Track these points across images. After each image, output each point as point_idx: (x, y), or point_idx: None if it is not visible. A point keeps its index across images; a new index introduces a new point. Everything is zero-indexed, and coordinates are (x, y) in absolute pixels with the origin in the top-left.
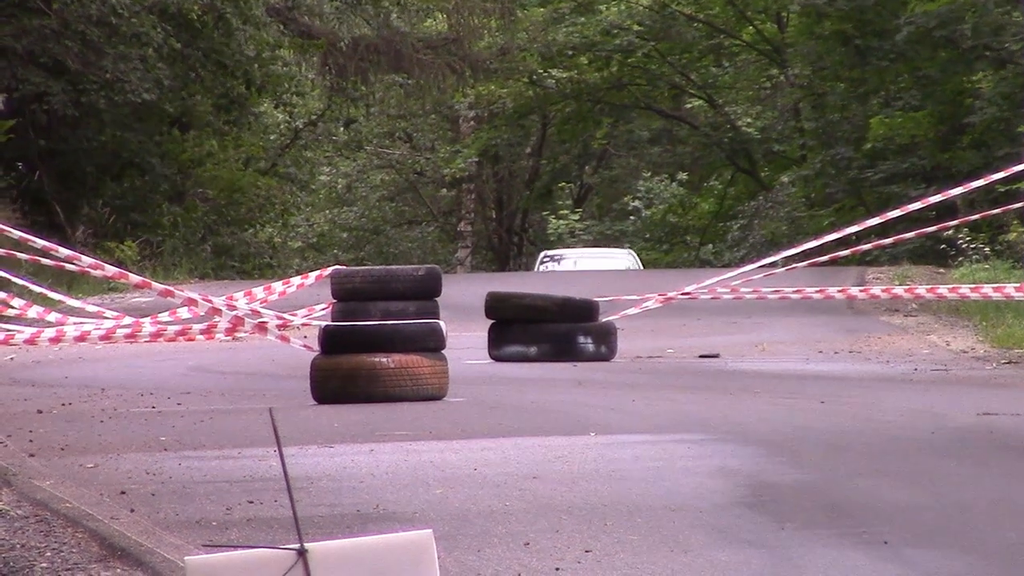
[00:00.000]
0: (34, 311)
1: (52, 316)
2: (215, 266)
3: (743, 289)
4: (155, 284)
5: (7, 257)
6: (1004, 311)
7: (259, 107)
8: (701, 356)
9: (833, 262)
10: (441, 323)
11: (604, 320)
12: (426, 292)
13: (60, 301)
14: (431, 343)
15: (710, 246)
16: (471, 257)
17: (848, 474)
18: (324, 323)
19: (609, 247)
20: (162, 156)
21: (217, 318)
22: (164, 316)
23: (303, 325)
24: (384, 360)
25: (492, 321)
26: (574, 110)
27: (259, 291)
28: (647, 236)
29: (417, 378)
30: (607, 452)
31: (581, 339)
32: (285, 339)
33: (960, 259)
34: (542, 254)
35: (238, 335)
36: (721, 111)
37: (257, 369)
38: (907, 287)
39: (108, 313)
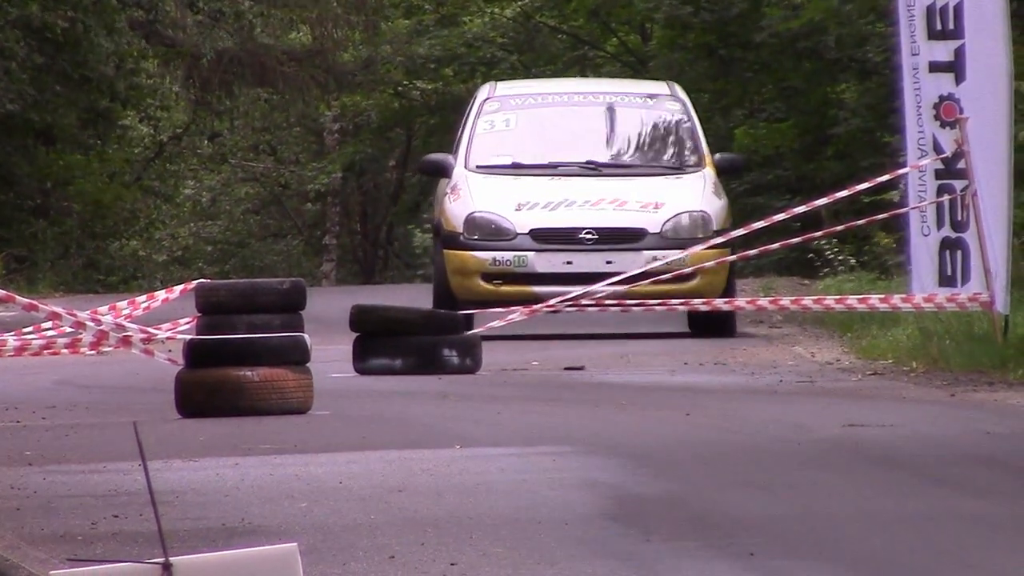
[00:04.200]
0: None
1: None
2: (82, 279)
3: (607, 301)
4: (19, 298)
5: None
6: (869, 322)
7: (124, 120)
8: (566, 368)
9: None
10: (306, 336)
11: (469, 333)
12: (291, 305)
13: None
14: (296, 356)
15: None
16: (336, 270)
17: (714, 486)
18: (189, 337)
19: (635, 79)
20: (28, 170)
21: (82, 332)
22: (28, 330)
23: (168, 339)
24: (249, 374)
25: (357, 334)
26: (439, 122)
27: (124, 305)
28: None
29: (282, 391)
30: (472, 465)
31: (446, 352)
32: (150, 353)
33: (826, 270)
34: (486, 90)
35: (103, 349)
36: None
37: (122, 383)
38: (772, 298)
39: None
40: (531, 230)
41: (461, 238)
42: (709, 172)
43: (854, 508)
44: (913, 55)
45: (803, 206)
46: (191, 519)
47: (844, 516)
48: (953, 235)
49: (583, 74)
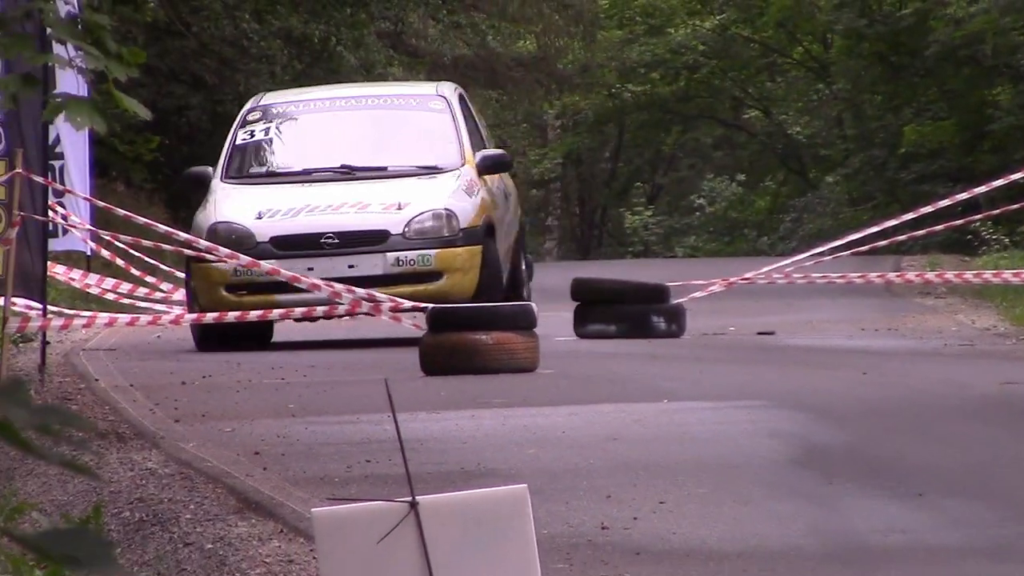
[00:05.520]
0: (179, 294)
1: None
2: None
3: (795, 275)
4: (283, 272)
5: (155, 248)
6: (1022, 294)
7: None
8: (759, 333)
9: (873, 251)
10: (533, 305)
11: (674, 302)
12: None
13: None
14: (524, 322)
15: (765, 238)
16: (558, 248)
17: (887, 436)
18: (431, 305)
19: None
20: None
21: (338, 300)
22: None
23: (413, 307)
24: (483, 337)
25: (577, 303)
26: (647, 119)
27: None
28: (711, 229)
29: (512, 353)
30: (677, 417)
31: (654, 318)
32: (397, 319)
33: (983, 248)
34: (253, 101)
35: (356, 315)
36: (774, 120)
37: (372, 346)
38: (937, 273)
39: None
40: (272, 238)
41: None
42: (467, 170)
43: (1011, 455)
44: None
45: (964, 193)
46: (433, 464)
47: (1002, 463)
48: None
49: (772, 79)
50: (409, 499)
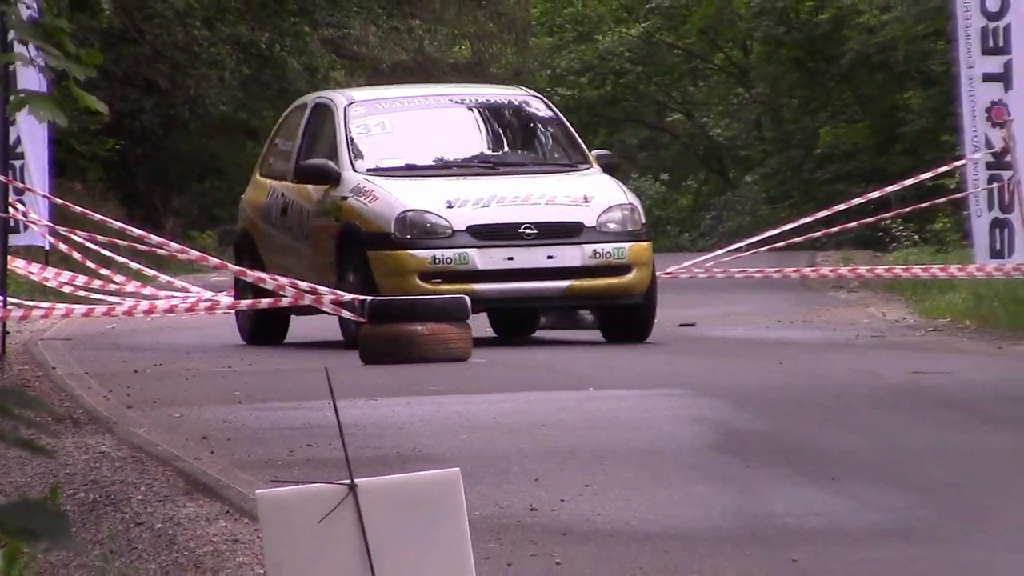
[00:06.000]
0: (132, 286)
1: (147, 291)
2: None
3: (715, 270)
4: (231, 266)
5: (110, 243)
6: (930, 288)
7: None
8: (681, 325)
9: (789, 247)
10: (466, 298)
11: None
12: None
13: (155, 277)
14: (458, 314)
15: (687, 235)
16: None
17: (802, 423)
18: (370, 298)
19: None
20: (237, 162)
21: (282, 293)
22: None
23: (353, 300)
24: (419, 328)
25: None
26: (576, 122)
27: None
28: None
29: (447, 343)
30: (603, 404)
31: (582, 311)
32: (338, 311)
33: (894, 245)
34: (343, 97)
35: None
36: (697, 123)
37: (314, 336)
38: (850, 268)
39: (193, 289)
40: (469, 227)
41: (392, 238)
42: (598, 168)
43: (921, 443)
44: (969, 67)
45: (876, 192)
46: (371, 448)
47: (911, 448)
48: (1001, 216)
49: (694, 84)
50: (348, 482)
